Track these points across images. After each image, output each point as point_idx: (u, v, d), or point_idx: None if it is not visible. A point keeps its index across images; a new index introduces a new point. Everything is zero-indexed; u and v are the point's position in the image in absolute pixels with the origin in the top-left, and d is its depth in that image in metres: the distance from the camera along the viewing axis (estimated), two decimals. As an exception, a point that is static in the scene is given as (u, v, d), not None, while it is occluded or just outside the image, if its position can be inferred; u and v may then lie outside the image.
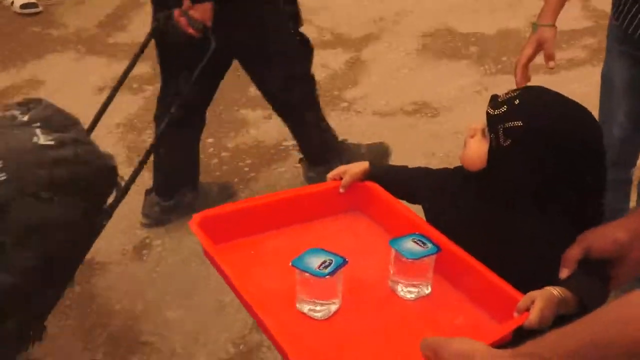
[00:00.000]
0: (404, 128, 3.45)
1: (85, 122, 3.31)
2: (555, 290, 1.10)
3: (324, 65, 4.03)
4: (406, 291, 1.31)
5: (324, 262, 1.25)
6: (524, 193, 1.22)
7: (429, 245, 1.30)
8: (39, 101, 1.86)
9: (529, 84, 1.67)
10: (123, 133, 3.30)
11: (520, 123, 1.16)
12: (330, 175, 1.51)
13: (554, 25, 1.75)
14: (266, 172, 3.08)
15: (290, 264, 1.25)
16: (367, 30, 4.47)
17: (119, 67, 3.87)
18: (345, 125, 3.41)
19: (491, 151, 1.20)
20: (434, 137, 3.39)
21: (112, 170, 1.82)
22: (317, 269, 1.23)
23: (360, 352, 1.18)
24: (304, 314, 1.26)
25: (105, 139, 3.23)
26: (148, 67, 3.90)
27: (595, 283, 1.14)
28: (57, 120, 1.80)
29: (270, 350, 2.18)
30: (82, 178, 1.71)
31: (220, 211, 1.45)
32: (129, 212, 2.76)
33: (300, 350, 1.10)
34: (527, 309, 1.08)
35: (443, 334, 1.08)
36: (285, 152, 3.21)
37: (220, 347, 2.20)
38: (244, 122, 3.45)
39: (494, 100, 1.22)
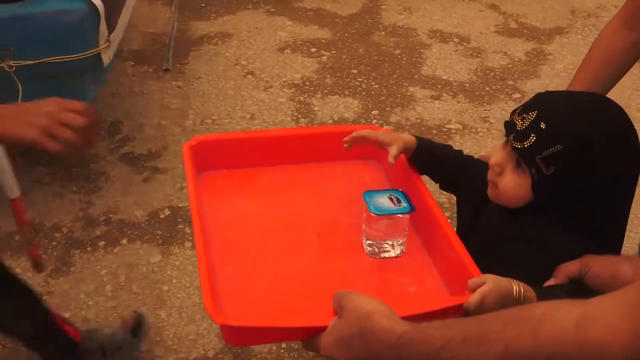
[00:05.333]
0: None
1: (263, 77, 3.53)
2: (516, 285, 1.01)
3: (505, 53, 3.92)
4: (367, 245, 1.26)
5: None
6: (569, 210, 1.12)
7: (404, 204, 1.22)
8: None
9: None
10: (294, 93, 3.43)
11: (560, 146, 1.06)
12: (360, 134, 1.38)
13: None
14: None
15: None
16: (556, 23, 4.28)
17: (303, 30, 4.03)
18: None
19: (536, 184, 1.11)
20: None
21: None
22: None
23: (294, 295, 1.15)
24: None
25: (278, 95, 3.39)
26: (329, 34, 4.02)
27: None
28: None
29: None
30: None
31: (219, 137, 1.45)
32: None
33: (234, 274, 1.12)
34: (475, 290, 1.01)
35: (389, 296, 1.04)
36: (447, 135, 3.18)
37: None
38: (411, 99, 3.45)
39: (513, 130, 1.11)
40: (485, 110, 3.38)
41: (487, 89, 3.58)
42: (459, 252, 1.16)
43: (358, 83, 3.56)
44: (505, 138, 1.15)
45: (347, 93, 3.46)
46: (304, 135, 1.51)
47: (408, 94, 3.50)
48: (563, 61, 3.88)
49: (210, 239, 1.21)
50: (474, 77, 3.68)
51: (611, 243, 1.16)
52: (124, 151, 2.94)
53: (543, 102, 1.13)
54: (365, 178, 1.46)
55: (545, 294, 1.02)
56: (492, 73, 3.72)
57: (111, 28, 2.46)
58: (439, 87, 3.56)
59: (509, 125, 1.13)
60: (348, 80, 3.58)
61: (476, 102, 3.45)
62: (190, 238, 2.51)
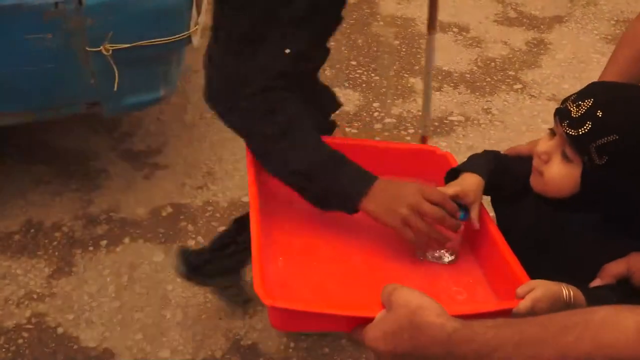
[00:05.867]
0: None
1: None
2: (565, 289, 1.00)
3: (506, 42, 3.89)
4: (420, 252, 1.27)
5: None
6: (614, 208, 1.10)
7: (461, 211, 1.23)
8: None
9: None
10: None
11: (615, 136, 1.03)
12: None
13: None
14: (428, 143, 3.04)
15: None
16: (555, 11, 4.25)
17: None
18: (514, 108, 3.28)
19: (587, 174, 1.08)
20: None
21: None
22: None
23: (344, 290, 1.16)
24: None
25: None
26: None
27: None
28: None
29: None
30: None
31: None
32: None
33: (285, 266, 1.13)
34: (524, 296, 1.00)
35: (437, 299, 1.04)
36: (449, 127, 3.15)
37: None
38: (411, 91, 3.42)
39: (567, 117, 1.08)
40: (487, 101, 3.35)
41: (488, 79, 3.55)
42: (510, 263, 1.14)
43: (358, 75, 3.52)
44: (549, 130, 1.13)
45: (347, 85, 3.42)
46: (367, 147, 1.51)
47: (409, 85, 3.46)
48: (563, 50, 3.85)
49: (265, 228, 1.21)
50: (475, 68, 3.65)
51: None
52: (123, 147, 2.89)
53: (599, 90, 1.11)
54: None
55: (594, 297, 1.01)
56: (492, 63, 3.69)
57: (198, 11, 2.48)
58: (440, 78, 3.53)
59: (563, 112, 1.10)
60: (347, 72, 3.54)
61: (477, 93, 3.42)
62: (194, 236, 2.48)
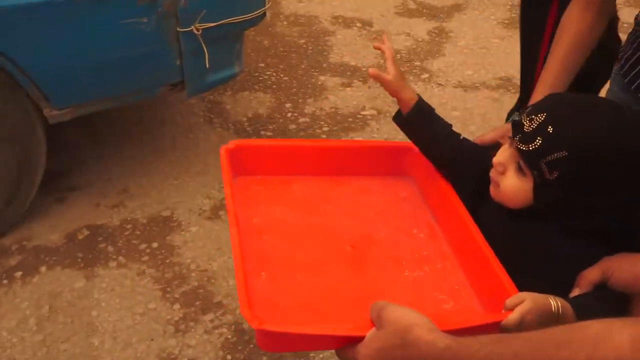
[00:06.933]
0: (488, 102, 3.36)
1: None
2: (553, 301, 0.99)
3: (408, 34, 3.96)
4: None
5: None
6: (569, 216, 1.11)
7: None
8: None
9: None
10: (204, 93, 3.32)
11: (565, 153, 1.04)
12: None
13: None
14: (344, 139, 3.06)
15: None
16: (453, 0, 4.36)
17: None
18: (425, 97, 3.33)
19: (537, 188, 1.09)
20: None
21: None
22: None
23: (328, 306, 1.15)
24: None
25: (186, 98, 3.28)
26: None
27: (607, 312, 0.97)
28: None
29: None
30: None
31: (256, 144, 1.44)
32: (207, 172, 2.80)
33: (268, 281, 1.12)
34: (513, 308, 1.00)
35: (424, 313, 1.03)
36: (363, 122, 3.17)
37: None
38: (322, 88, 3.42)
39: (519, 131, 1.09)
40: (397, 93, 3.40)
41: (396, 71, 3.60)
42: (495, 270, 1.13)
43: (267, 77, 3.49)
44: (510, 137, 1.12)
45: (258, 88, 3.39)
46: (342, 147, 1.50)
47: (319, 83, 3.46)
48: (465, 37, 3.96)
49: (244, 243, 1.18)
50: (382, 61, 3.69)
51: (625, 245, 1.12)
52: (29, 172, 2.75)
53: (553, 104, 1.10)
54: (401, 194, 1.45)
55: (582, 307, 1.01)
56: (398, 55, 3.75)
57: None
58: (349, 74, 3.55)
59: (516, 125, 1.10)
60: (257, 74, 3.50)
61: (387, 86, 3.45)
62: (115, 257, 2.39)
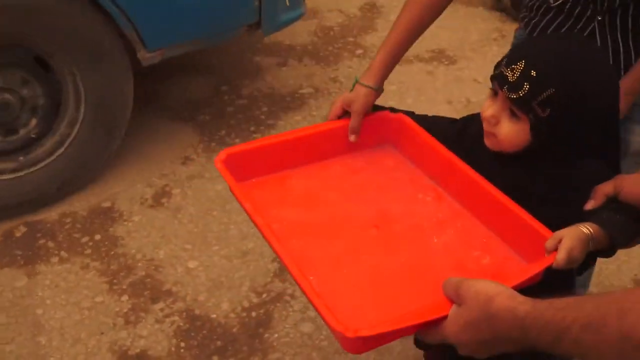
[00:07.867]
0: (422, 75, 3.39)
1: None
2: (584, 228, 1.08)
3: (340, 10, 3.95)
4: None
5: None
6: (571, 148, 1.20)
7: None
8: None
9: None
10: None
11: (552, 90, 1.13)
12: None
13: (374, 89, 1.44)
14: (284, 119, 3.03)
15: None
16: (381, -25, 4.37)
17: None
18: (360, 74, 3.34)
19: (534, 127, 1.17)
20: (453, 84, 3.34)
21: None
22: None
23: (385, 291, 1.17)
24: None
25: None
26: None
27: (626, 221, 1.12)
28: None
29: (294, 298, 2.18)
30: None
31: (245, 148, 1.42)
32: (146, 160, 2.74)
33: (319, 285, 1.10)
34: (555, 249, 1.07)
35: (469, 273, 1.09)
36: (301, 100, 3.16)
37: (242, 295, 2.19)
38: (258, 69, 3.38)
39: (505, 82, 1.16)
40: (333, 69, 3.39)
41: (330, 48, 3.59)
42: (519, 214, 1.18)
43: (198, 60, 3.43)
44: (491, 90, 1.21)
45: (191, 72, 3.33)
46: (323, 132, 1.46)
47: (253, 64, 3.42)
48: (395, 12, 3.93)
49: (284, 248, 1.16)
50: (315, 39, 3.68)
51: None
52: (-43, 170, 2.63)
53: (528, 50, 1.19)
54: (388, 164, 1.46)
55: (605, 222, 1.09)
56: (331, 32, 3.74)
57: None
58: (284, 53, 3.52)
59: (500, 78, 1.17)
60: (188, 59, 3.43)
61: (323, 64, 3.45)
62: (56, 252, 2.31)
